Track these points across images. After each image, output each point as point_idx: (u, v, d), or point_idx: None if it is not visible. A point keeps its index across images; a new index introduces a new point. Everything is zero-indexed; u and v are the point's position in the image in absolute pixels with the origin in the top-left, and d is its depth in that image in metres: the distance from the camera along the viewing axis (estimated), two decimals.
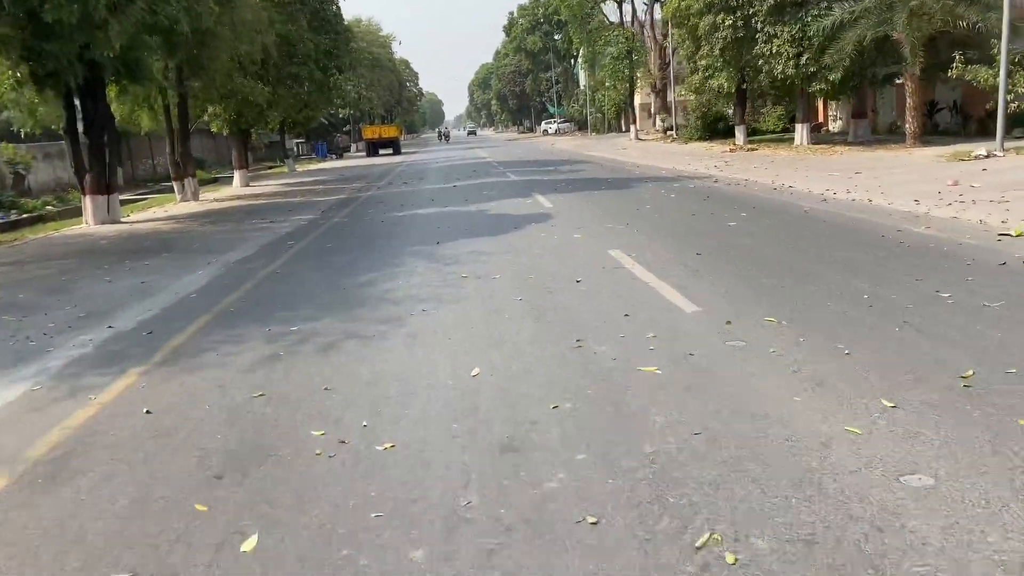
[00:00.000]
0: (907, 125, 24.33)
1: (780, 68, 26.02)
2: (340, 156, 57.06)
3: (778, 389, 4.21)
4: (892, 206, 11.28)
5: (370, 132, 57.46)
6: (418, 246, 10.66)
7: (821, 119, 38.29)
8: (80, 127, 18.61)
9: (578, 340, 5.34)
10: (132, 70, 17.36)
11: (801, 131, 28.55)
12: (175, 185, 24.33)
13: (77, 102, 18.15)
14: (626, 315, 5.91)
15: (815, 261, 7.57)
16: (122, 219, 18.71)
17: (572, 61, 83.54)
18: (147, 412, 4.66)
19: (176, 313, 7.56)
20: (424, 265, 9.04)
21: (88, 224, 17.85)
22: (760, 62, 26.97)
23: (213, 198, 24.87)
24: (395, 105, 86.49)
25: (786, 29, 25.57)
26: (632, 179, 19.53)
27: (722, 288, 6.66)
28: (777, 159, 23.19)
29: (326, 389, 4.79)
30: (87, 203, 18.04)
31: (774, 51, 26.13)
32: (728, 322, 5.51)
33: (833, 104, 37.01)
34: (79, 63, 15.51)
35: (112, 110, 23.46)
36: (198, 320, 7.10)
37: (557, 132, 74.45)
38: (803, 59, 25.29)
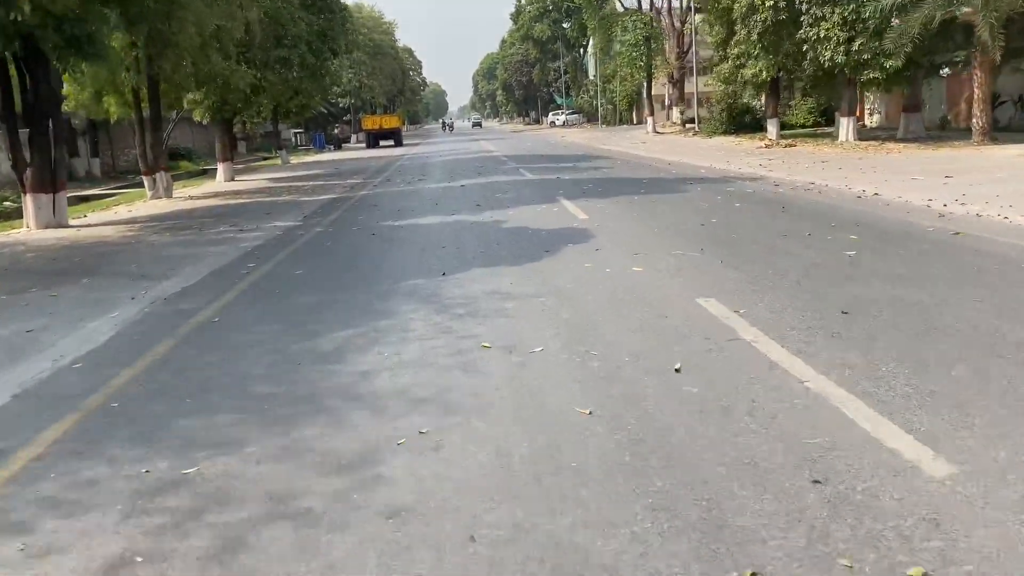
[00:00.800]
0: (975, 120, 21.45)
1: (828, 55, 23.07)
2: (339, 147, 54.05)
3: None
4: None
5: (370, 123, 54.50)
6: (416, 278, 7.78)
7: (857, 113, 35.32)
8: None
9: (754, 575, 2.48)
10: (80, 45, 14.44)
11: (847, 126, 25.59)
12: (145, 181, 21.45)
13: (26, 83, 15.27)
14: (816, 482, 3.04)
15: None
16: (71, 222, 15.84)
17: (581, 51, 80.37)
18: None
19: (25, 409, 4.72)
20: (423, 317, 6.17)
21: (29, 228, 15.01)
22: (805, 48, 24.00)
23: (188, 195, 22.02)
24: (397, 95, 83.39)
25: (837, 11, 22.59)
26: (671, 180, 16.62)
27: (949, 400, 3.77)
28: (828, 157, 20.29)
29: None
30: (28, 203, 15.19)
31: (821, 35, 23.18)
32: None
33: (870, 97, 34.02)
34: (9, 35, 12.70)
35: (72, 94, 20.89)
36: (47, 431, 4.26)
37: (565, 124, 71.33)
38: (855, 44, 22.34)
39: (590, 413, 3.90)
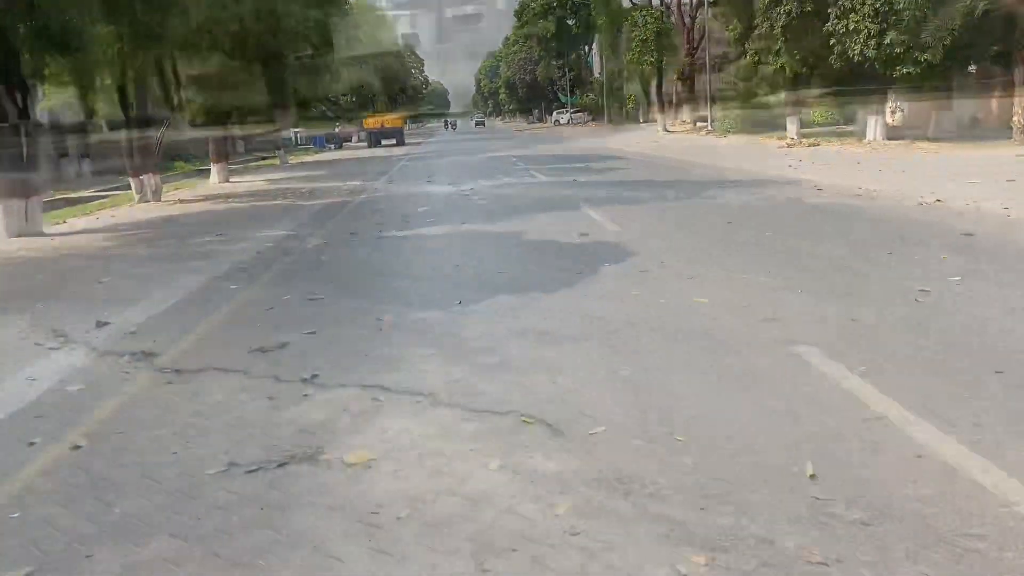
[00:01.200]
0: (1016, 118, 20.18)
1: (858, 49, 21.71)
2: (339, 147, 52.69)
3: None
4: None
5: (371, 122, 53.15)
6: (426, 309, 6.43)
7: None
8: None
9: None
10: (53, 37, 13.15)
11: (874, 124, 24.27)
12: (132, 183, 20.10)
13: None
14: None
15: None
16: (47, 229, 14.51)
17: (587, 48, 78.95)
18: None
19: None
20: (439, 369, 4.82)
21: None
22: (832, 42, 22.64)
23: (178, 198, 20.66)
24: (399, 93, 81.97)
25: (868, 1, 21.20)
26: (698, 183, 15.25)
27: None
28: (859, 158, 19.03)
29: None
30: None
31: (850, 28, 21.82)
32: None
33: (891, 95, 32.65)
34: None
35: (49, 92, 19.61)
36: None
37: (570, 123, 69.96)
38: (887, 38, 20.96)
39: (706, 564, 2.56)
